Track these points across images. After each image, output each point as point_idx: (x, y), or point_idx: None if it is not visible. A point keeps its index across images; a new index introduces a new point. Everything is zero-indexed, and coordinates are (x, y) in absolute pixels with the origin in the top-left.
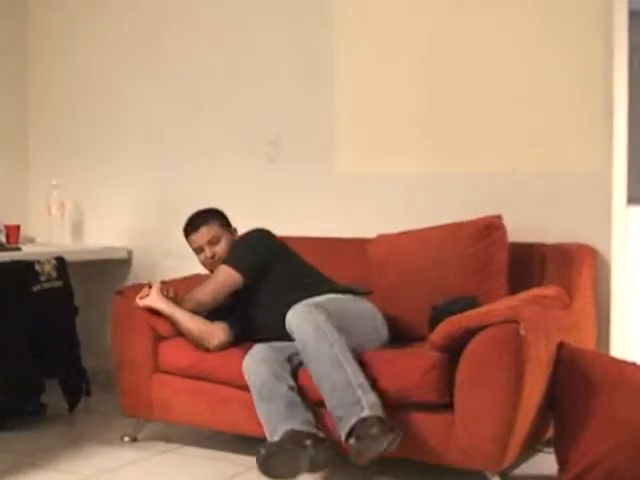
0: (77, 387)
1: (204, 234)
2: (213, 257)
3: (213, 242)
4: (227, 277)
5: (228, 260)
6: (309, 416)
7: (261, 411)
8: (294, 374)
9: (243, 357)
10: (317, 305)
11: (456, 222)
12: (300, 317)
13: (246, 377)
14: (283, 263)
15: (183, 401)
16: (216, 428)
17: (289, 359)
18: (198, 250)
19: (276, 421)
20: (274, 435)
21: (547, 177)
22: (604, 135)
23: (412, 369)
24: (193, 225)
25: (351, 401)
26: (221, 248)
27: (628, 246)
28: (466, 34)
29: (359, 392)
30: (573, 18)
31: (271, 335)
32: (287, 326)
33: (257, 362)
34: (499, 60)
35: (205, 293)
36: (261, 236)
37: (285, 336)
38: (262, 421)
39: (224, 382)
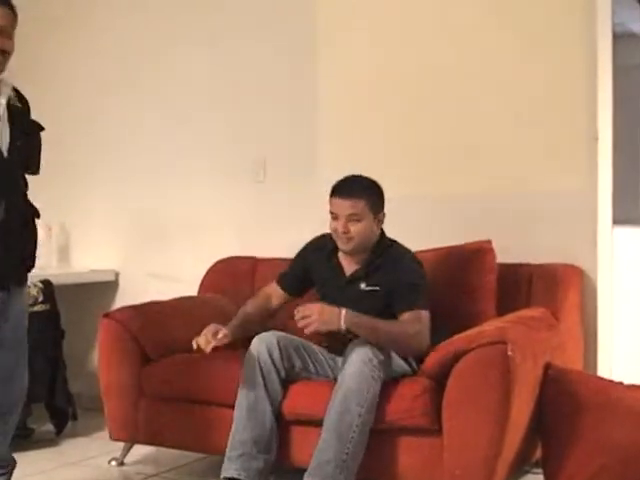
0: (64, 411)
1: (347, 206)
2: (345, 233)
3: (352, 219)
4: (272, 290)
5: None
6: (271, 455)
7: (239, 416)
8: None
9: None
10: (382, 364)
11: (446, 246)
12: (360, 362)
13: (244, 364)
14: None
15: (171, 424)
16: (205, 452)
17: (293, 367)
18: (333, 216)
19: (237, 455)
20: (228, 462)
21: (533, 198)
22: (590, 156)
23: (403, 393)
24: (343, 190)
25: (332, 475)
26: (357, 229)
27: (614, 266)
28: (451, 57)
29: (343, 475)
30: (558, 41)
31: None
32: (347, 351)
33: (255, 366)
34: (485, 82)
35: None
36: (304, 247)
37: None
38: (233, 425)
39: (213, 403)
